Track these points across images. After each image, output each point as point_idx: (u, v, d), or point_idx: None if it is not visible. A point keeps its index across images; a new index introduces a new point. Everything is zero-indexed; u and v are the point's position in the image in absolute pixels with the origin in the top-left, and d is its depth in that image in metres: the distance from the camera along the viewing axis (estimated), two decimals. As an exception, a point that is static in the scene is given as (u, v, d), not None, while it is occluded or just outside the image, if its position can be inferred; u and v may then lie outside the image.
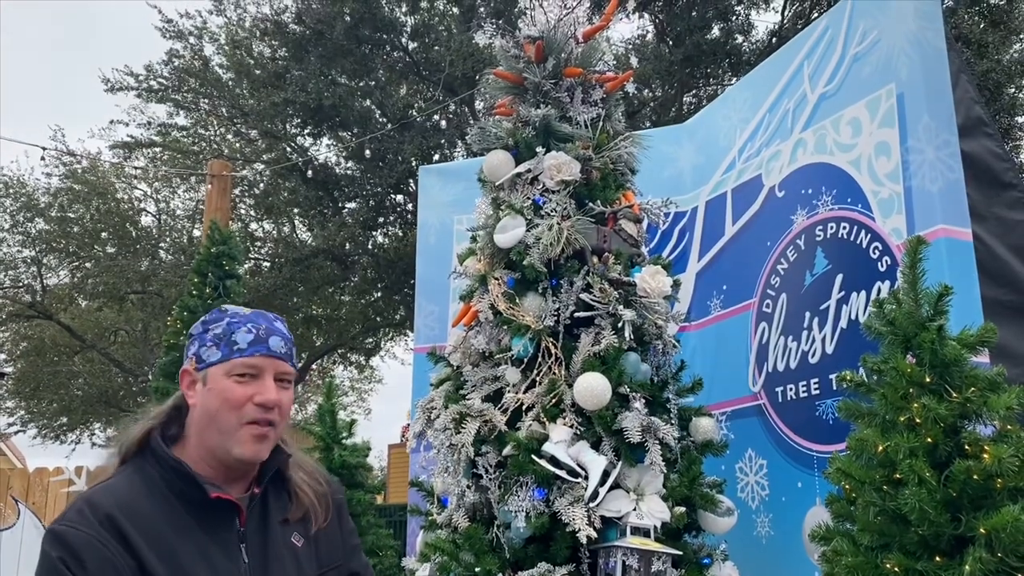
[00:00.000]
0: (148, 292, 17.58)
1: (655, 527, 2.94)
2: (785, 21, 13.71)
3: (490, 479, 3.10)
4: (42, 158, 12.24)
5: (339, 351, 20.81)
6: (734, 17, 13.17)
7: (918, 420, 2.07)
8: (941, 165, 3.16)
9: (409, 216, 15.63)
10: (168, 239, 19.10)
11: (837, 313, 3.47)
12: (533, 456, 2.99)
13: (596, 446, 3.06)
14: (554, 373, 3.19)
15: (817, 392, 3.53)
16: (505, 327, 3.30)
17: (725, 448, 3.44)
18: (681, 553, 2.99)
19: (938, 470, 2.01)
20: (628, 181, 3.67)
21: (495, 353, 3.34)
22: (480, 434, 3.15)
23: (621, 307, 3.20)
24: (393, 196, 15.68)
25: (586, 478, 2.93)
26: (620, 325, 3.18)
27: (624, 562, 2.81)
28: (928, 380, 2.12)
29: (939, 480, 2.00)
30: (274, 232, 18.61)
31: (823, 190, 3.69)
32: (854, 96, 3.58)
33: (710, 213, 4.53)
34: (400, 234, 16.04)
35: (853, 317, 3.38)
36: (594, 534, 2.84)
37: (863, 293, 3.37)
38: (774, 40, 13.40)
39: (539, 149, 3.48)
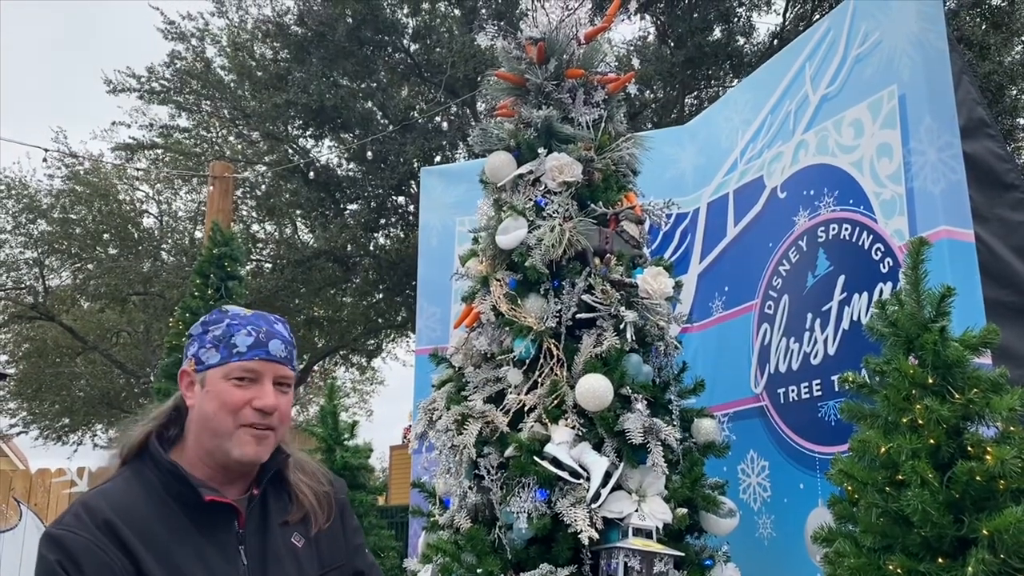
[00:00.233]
0: (150, 293, 17.60)
1: (657, 528, 2.94)
2: (786, 23, 13.71)
3: (492, 480, 3.10)
4: (44, 159, 12.27)
5: (341, 353, 20.81)
6: (735, 19, 13.17)
7: (920, 421, 2.06)
8: (943, 166, 3.16)
9: (411, 218, 15.64)
10: (170, 240, 19.12)
11: (839, 314, 3.47)
12: (535, 457, 2.99)
13: (598, 447, 3.06)
14: (556, 374, 3.19)
15: (819, 393, 3.53)
16: (507, 328, 3.30)
17: (727, 449, 3.44)
18: (683, 554, 2.99)
19: (941, 471, 2.01)
20: (630, 182, 3.67)
21: (497, 354, 3.34)
22: (482, 435, 3.15)
23: (623, 308, 3.20)
24: (394, 198, 15.69)
25: (588, 479, 2.93)
26: (622, 326, 3.18)
27: (626, 563, 2.81)
28: (930, 381, 2.11)
29: (942, 481, 2.00)
30: (276, 234, 18.63)
31: (825, 191, 3.69)
32: (856, 97, 3.58)
33: (712, 214, 4.53)
34: (402, 236, 16.06)
35: (855, 318, 3.38)
36: (596, 535, 2.84)
37: (865, 294, 3.37)
38: (775, 42, 13.40)
39: (541, 150, 3.48)
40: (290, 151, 16.04)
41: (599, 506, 2.91)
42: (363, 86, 14.74)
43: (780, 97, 4.10)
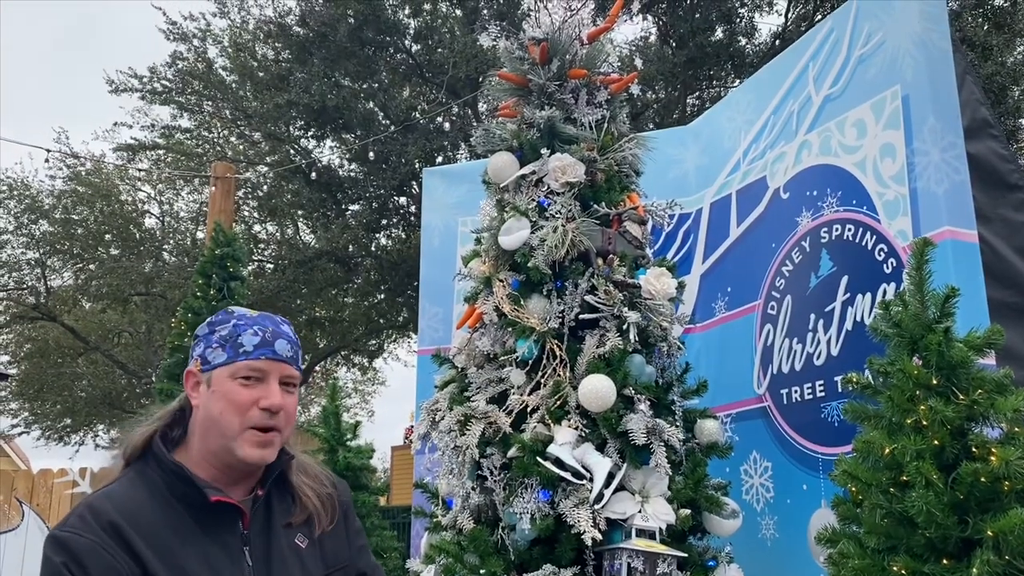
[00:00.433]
0: (152, 294, 17.62)
1: (660, 529, 2.94)
2: (788, 23, 13.71)
3: (495, 481, 3.09)
4: (46, 160, 12.28)
5: (342, 353, 20.83)
6: (737, 19, 13.17)
7: (925, 422, 2.06)
8: (947, 167, 3.15)
9: (412, 218, 15.65)
10: (172, 241, 19.15)
11: (842, 315, 3.47)
12: (538, 458, 2.98)
13: (601, 448, 3.06)
14: (559, 375, 3.19)
15: (822, 394, 3.52)
16: (510, 329, 3.30)
17: (730, 450, 3.44)
18: (686, 555, 2.99)
19: (945, 472, 2.01)
20: (633, 183, 3.67)
21: (500, 355, 3.34)
22: (485, 436, 3.15)
23: (626, 309, 3.20)
24: (396, 198, 15.70)
25: (591, 480, 2.93)
26: (625, 327, 3.18)
27: (629, 564, 2.81)
28: (935, 382, 2.11)
29: (946, 482, 1.99)
30: (277, 234, 18.64)
31: (828, 192, 3.69)
32: (859, 98, 3.58)
33: (715, 215, 4.53)
34: (403, 236, 16.06)
35: (858, 319, 3.38)
36: (599, 536, 2.84)
37: (868, 295, 3.36)
38: (777, 42, 13.39)
39: (544, 151, 3.48)
40: (292, 151, 16.05)
41: (602, 507, 2.90)
42: (365, 87, 14.75)
43: (783, 97, 4.09)
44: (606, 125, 3.62)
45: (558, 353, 3.22)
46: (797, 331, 3.73)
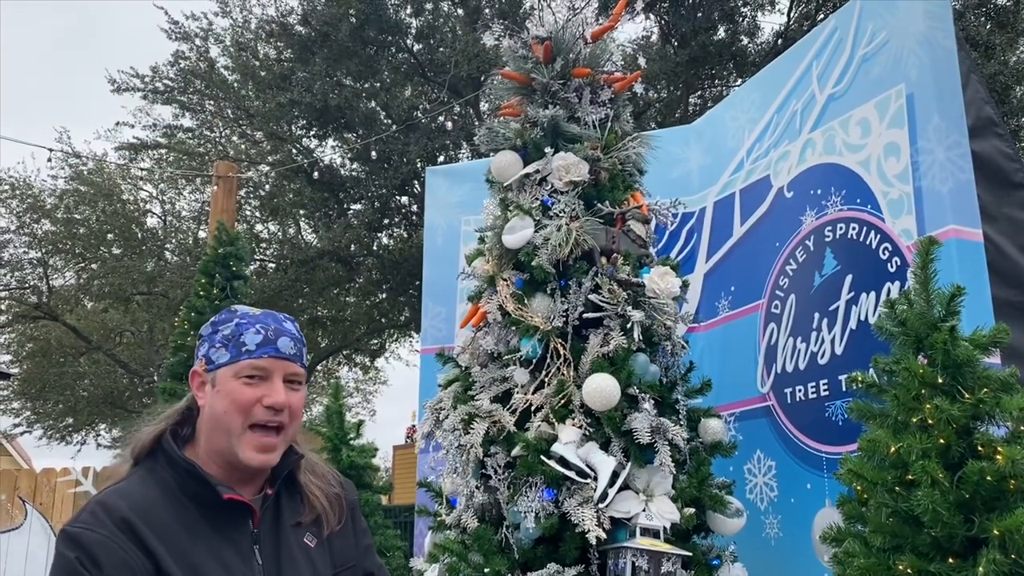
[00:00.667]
0: (154, 293, 17.62)
1: (664, 528, 2.94)
2: (791, 22, 13.70)
3: (499, 480, 3.09)
4: (49, 159, 12.28)
5: (344, 352, 20.83)
6: (740, 18, 13.16)
7: (930, 421, 2.06)
8: (951, 166, 3.15)
9: (414, 217, 15.65)
10: (174, 240, 19.15)
11: (846, 314, 3.46)
12: (542, 457, 2.98)
13: (605, 447, 3.06)
14: (563, 374, 3.19)
15: (826, 393, 3.52)
16: (514, 328, 3.30)
17: (734, 449, 3.44)
18: (690, 554, 2.99)
19: (951, 471, 2.01)
20: (636, 182, 3.67)
21: (504, 354, 3.34)
22: (489, 435, 3.15)
23: (630, 308, 3.20)
24: (398, 197, 15.70)
25: (595, 479, 2.93)
26: (629, 326, 3.18)
27: (634, 563, 2.81)
28: (940, 381, 2.11)
29: (952, 481, 1.99)
30: (279, 234, 18.64)
31: (832, 191, 3.68)
32: (863, 96, 3.57)
33: (718, 214, 4.52)
34: (405, 235, 16.06)
35: (862, 318, 3.37)
36: (603, 535, 2.84)
37: (872, 294, 3.36)
38: (779, 41, 13.39)
39: (547, 150, 3.48)
40: (294, 151, 16.06)
41: (606, 506, 2.91)
42: (367, 86, 14.75)
43: (787, 96, 4.09)
44: (610, 124, 3.62)
45: (562, 352, 3.22)
46: (801, 330, 3.73)
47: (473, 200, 4.86)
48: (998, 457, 1.96)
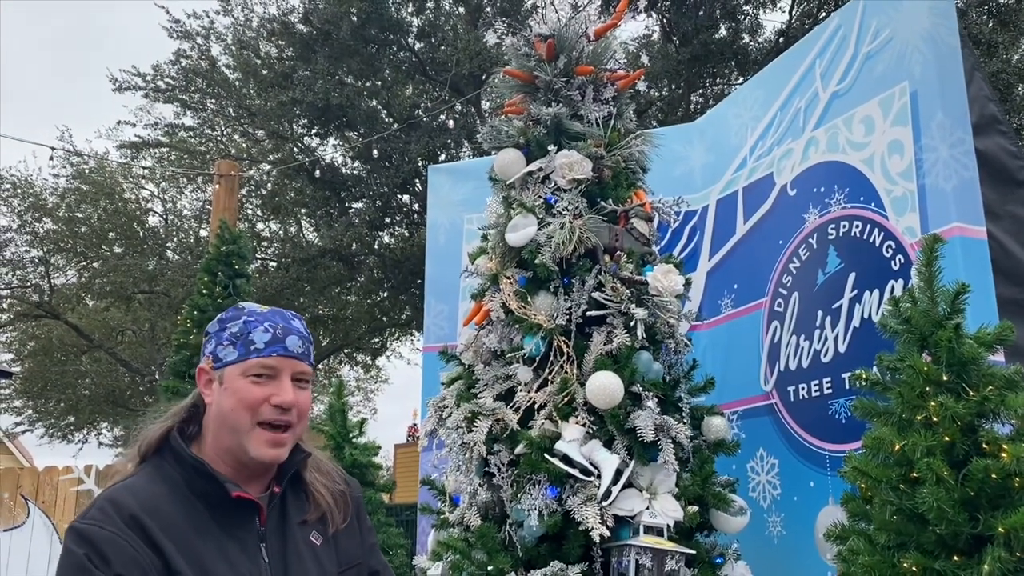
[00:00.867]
0: (155, 292, 17.63)
1: (668, 526, 2.94)
2: (792, 20, 13.69)
3: (502, 478, 3.09)
4: (51, 158, 12.28)
5: (345, 351, 20.84)
6: (742, 17, 13.15)
7: (935, 419, 2.06)
8: (955, 163, 3.14)
9: (415, 216, 15.66)
10: (175, 239, 19.17)
11: (850, 312, 3.46)
12: (545, 455, 2.98)
13: (608, 445, 3.06)
14: (566, 372, 3.19)
15: (830, 391, 3.52)
16: (517, 326, 3.30)
17: (737, 447, 3.43)
18: (694, 552, 2.99)
19: (956, 469, 2.00)
20: (639, 179, 3.67)
21: (507, 352, 3.34)
22: (492, 433, 3.15)
23: (633, 306, 3.19)
24: (399, 196, 15.71)
25: (599, 477, 2.93)
26: (632, 324, 3.18)
27: (637, 561, 2.81)
28: (945, 378, 2.10)
29: (957, 479, 1.98)
30: (281, 232, 18.65)
31: (835, 188, 3.68)
32: (867, 94, 3.57)
33: (721, 212, 4.52)
34: (406, 234, 16.06)
35: (866, 316, 3.37)
36: (607, 533, 2.84)
37: (876, 292, 3.36)
38: (781, 40, 13.38)
39: (551, 147, 3.47)
40: (295, 149, 16.06)
41: (610, 504, 2.90)
42: (368, 84, 14.76)
43: (790, 94, 4.08)
44: (613, 122, 3.62)
45: (565, 350, 3.22)
46: (804, 328, 3.72)
47: (475, 198, 4.85)
48: (1003, 455, 1.95)
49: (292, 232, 18.37)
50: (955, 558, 1.98)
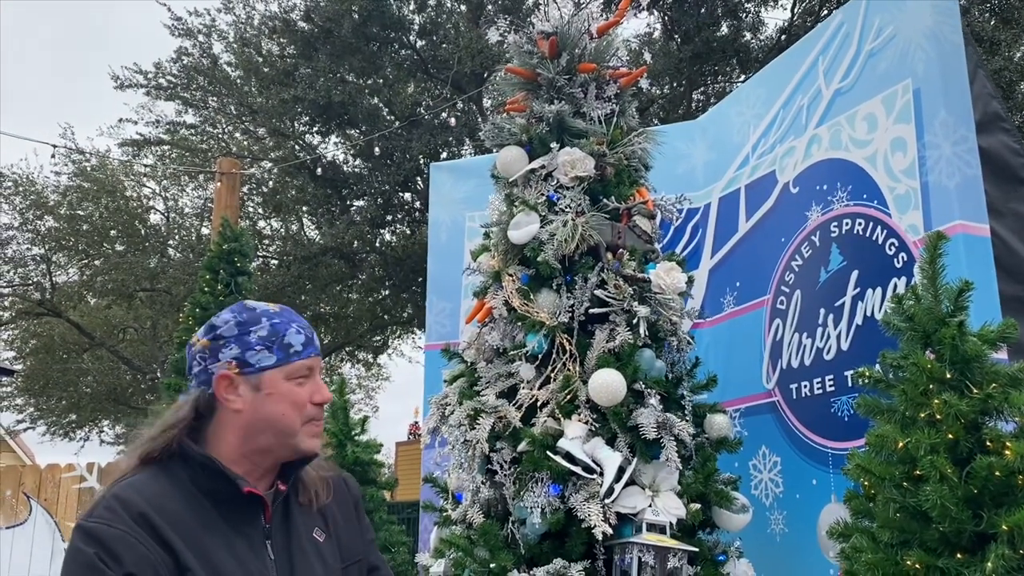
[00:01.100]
0: (157, 290, 17.64)
1: (670, 524, 2.94)
2: (794, 18, 13.67)
3: (505, 475, 3.09)
4: (53, 156, 12.29)
5: (347, 349, 20.84)
6: (743, 14, 13.13)
7: (939, 416, 2.05)
8: (958, 161, 3.14)
9: (417, 214, 15.65)
10: (177, 237, 19.17)
11: (852, 309, 3.46)
12: (548, 452, 2.98)
13: (611, 442, 3.06)
14: (569, 369, 3.19)
15: (832, 389, 3.52)
16: (519, 323, 3.30)
17: (739, 445, 3.44)
18: (696, 550, 2.99)
19: (959, 466, 2.00)
20: (642, 177, 3.66)
21: (509, 349, 3.34)
22: (495, 430, 3.15)
23: (636, 303, 3.19)
24: (401, 194, 15.70)
25: (601, 474, 2.93)
26: (635, 321, 3.18)
27: (640, 559, 2.81)
28: (948, 376, 2.10)
29: (960, 477, 1.98)
30: (282, 230, 18.65)
31: (838, 186, 3.68)
32: (870, 92, 3.56)
33: (723, 209, 4.52)
34: (408, 232, 16.06)
35: (869, 314, 3.37)
36: (609, 530, 2.84)
37: (879, 289, 3.35)
38: (783, 37, 13.36)
39: (553, 145, 3.47)
40: (296, 147, 16.06)
41: (612, 501, 2.91)
42: (370, 82, 14.74)
43: (792, 91, 4.08)
44: (615, 119, 3.62)
45: (568, 347, 3.22)
46: (807, 326, 3.72)
47: (478, 196, 4.85)
48: (1007, 452, 1.95)
49: (293, 230, 18.37)
50: (958, 556, 1.98)
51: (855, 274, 3.50)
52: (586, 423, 3.07)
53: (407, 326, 18.71)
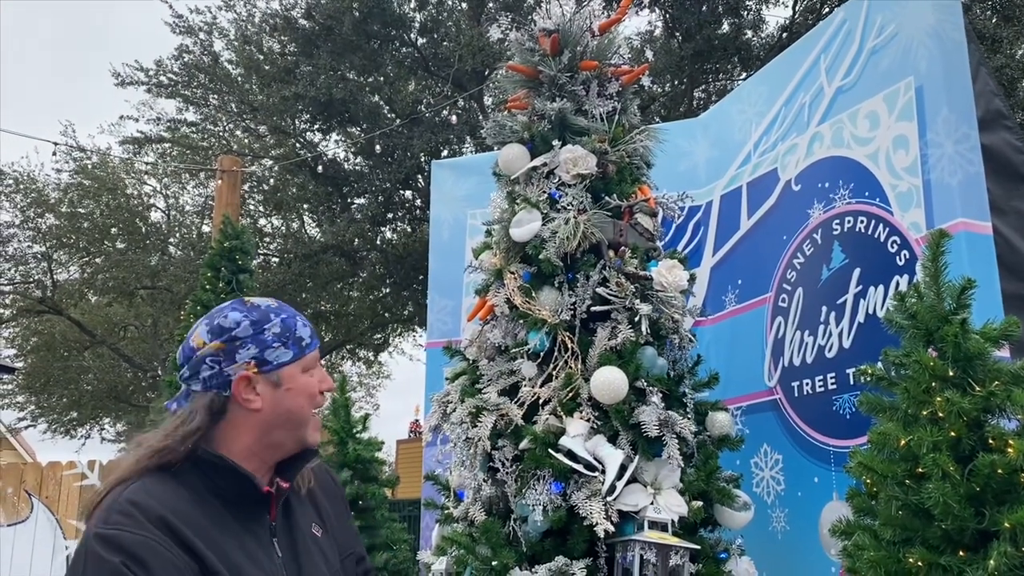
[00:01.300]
0: (157, 287, 17.66)
1: (672, 521, 2.94)
2: (796, 16, 13.66)
3: (507, 473, 3.09)
4: (53, 153, 12.31)
5: (347, 347, 20.86)
6: (745, 12, 13.12)
7: (941, 414, 2.05)
8: (960, 159, 3.14)
9: (418, 212, 15.66)
10: (177, 234, 19.18)
11: (854, 307, 3.46)
12: (550, 450, 2.98)
13: (613, 440, 3.05)
14: (570, 367, 3.19)
15: (834, 387, 3.51)
16: (521, 321, 3.29)
17: (741, 443, 3.43)
18: (698, 547, 2.99)
19: (961, 464, 2.00)
20: (644, 175, 3.66)
21: (511, 347, 3.34)
22: (496, 428, 3.15)
23: (638, 301, 3.19)
24: (402, 192, 15.71)
25: (603, 472, 2.93)
26: (637, 319, 3.17)
27: (642, 556, 2.81)
28: (951, 374, 2.10)
29: (963, 474, 1.98)
30: (283, 228, 18.66)
31: (840, 184, 3.67)
32: (872, 89, 3.56)
33: (725, 207, 4.51)
34: (409, 230, 16.06)
35: (871, 311, 3.37)
36: (611, 528, 2.84)
37: (881, 287, 3.35)
38: (784, 35, 13.35)
39: (555, 143, 3.46)
40: (297, 145, 16.07)
41: (614, 499, 2.90)
42: (370, 80, 14.75)
43: (794, 89, 4.08)
44: (617, 117, 3.61)
45: (570, 345, 3.22)
46: (808, 324, 3.72)
47: (479, 193, 4.85)
48: (1009, 450, 1.95)
49: (294, 228, 18.38)
50: (961, 553, 1.98)
51: (857, 272, 3.50)
52: (588, 421, 3.07)
53: (408, 324, 18.72)
